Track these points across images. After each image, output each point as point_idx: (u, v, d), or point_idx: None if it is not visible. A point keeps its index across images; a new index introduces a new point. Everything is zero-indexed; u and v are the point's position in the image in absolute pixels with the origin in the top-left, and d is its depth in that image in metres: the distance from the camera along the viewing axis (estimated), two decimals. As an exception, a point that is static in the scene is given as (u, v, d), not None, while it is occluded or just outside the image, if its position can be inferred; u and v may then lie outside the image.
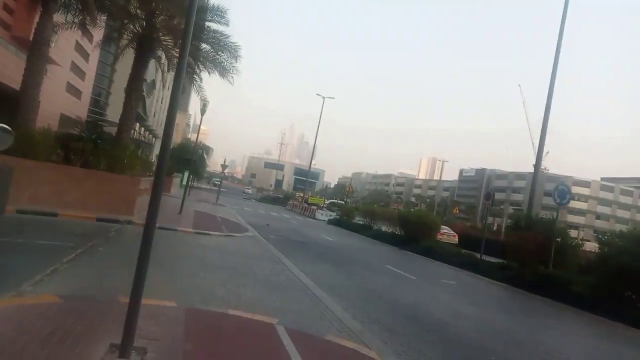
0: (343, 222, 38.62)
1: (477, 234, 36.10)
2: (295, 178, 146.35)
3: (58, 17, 18.50)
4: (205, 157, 53.96)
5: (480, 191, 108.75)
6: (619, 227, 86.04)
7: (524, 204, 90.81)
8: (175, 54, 20.39)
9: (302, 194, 68.48)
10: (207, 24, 18.82)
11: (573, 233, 19.49)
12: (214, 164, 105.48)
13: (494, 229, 57.28)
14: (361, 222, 36.94)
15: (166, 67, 22.53)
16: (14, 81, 17.57)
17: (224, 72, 19.53)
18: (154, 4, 17.62)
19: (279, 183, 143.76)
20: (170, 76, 42.03)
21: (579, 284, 14.82)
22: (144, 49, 18.50)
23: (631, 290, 13.49)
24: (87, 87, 35.03)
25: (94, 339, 4.58)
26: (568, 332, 11.47)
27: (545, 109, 20.39)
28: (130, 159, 17.48)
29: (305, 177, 74.13)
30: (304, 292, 9.29)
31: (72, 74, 30.50)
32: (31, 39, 16.63)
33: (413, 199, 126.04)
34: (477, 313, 11.37)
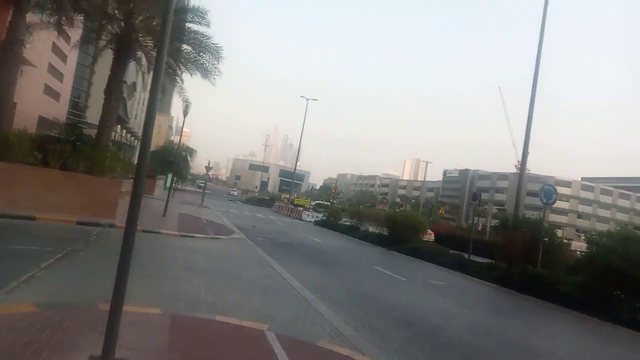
0: (330, 223, 38.41)
1: (463, 234, 36.20)
2: (281, 180, 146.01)
3: (33, 18, 17.94)
4: (189, 159, 53.42)
5: (464, 192, 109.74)
6: (600, 225, 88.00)
7: (507, 204, 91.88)
8: (155, 55, 19.97)
9: (287, 196, 68.17)
10: (187, 25, 18.49)
11: (557, 232, 19.57)
12: (198, 166, 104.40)
13: (479, 228, 57.61)
14: (348, 223, 36.78)
15: (146, 68, 22.07)
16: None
17: (206, 73, 19.19)
18: (132, 4, 17.18)
19: (264, 185, 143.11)
20: (151, 78, 41.44)
21: (567, 283, 14.82)
22: (123, 50, 18.07)
23: (620, 290, 13.50)
24: (65, 89, 34.28)
25: (72, 351, 4.27)
26: (560, 333, 11.40)
27: (529, 112, 20.41)
28: (111, 161, 17.01)
29: (291, 179, 73.89)
30: (293, 295, 9.03)
31: (49, 76, 29.79)
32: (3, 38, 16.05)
33: (398, 200, 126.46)
34: (469, 315, 11.24)
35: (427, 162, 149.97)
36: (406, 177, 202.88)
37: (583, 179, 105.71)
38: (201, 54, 18.99)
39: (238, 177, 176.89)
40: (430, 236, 33.20)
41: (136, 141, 63.80)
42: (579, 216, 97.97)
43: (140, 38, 18.69)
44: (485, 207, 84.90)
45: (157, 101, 4.56)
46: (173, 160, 29.18)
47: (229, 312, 6.81)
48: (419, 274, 17.88)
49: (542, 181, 79.27)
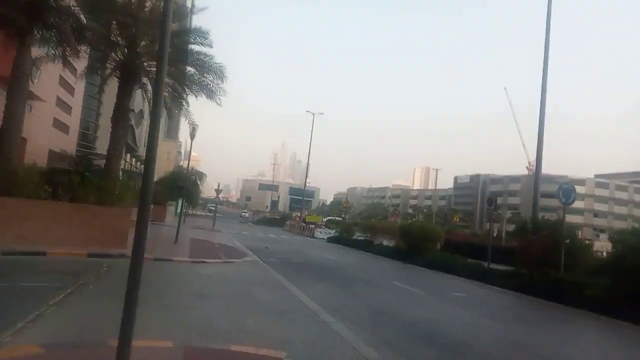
0: (343, 239, 37.99)
1: (479, 241, 35.55)
2: (291, 197, 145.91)
3: (38, 52, 18.08)
4: (199, 183, 53.45)
5: (476, 197, 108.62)
6: (617, 223, 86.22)
7: (521, 207, 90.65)
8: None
9: (299, 214, 67.88)
10: (190, 46, 18.55)
11: (577, 233, 19.04)
12: (208, 189, 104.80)
13: (494, 234, 56.77)
14: (361, 238, 36.32)
15: (152, 95, 22.15)
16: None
17: (210, 94, 19.20)
18: (134, 29, 17.27)
19: (274, 204, 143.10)
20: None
21: (593, 287, 14.24)
22: (128, 77, 18.13)
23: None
24: (74, 121, 34.64)
25: (79, 396, 4.00)
26: (593, 342, 10.88)
27: (540, 111, 20.08)
28: (121, 190, 16.94)
29: (301, 196, 73.71)
30: (311, 318, 8.70)
31: (58, 109, 30.11)
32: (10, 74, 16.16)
33: (410, 210, 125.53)
34: (496, 327, 10.79)
35: (437, 170, 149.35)
36: (416, 186, 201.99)
37: (597, 176, 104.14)
38: (205, 74, 19.04)
39: (248, 198, 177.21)
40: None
41: (146, 169, 64.09)
42: (595, 215, 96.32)
43: (145, 63, 18.76)
44: (499, 211, 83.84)
45: (159, 124, 4.36)
46: (183, 186, 29.09)
47: (244, 340, 6.52)
48: (438, 287, 17.41)
49: (555, 181, 77.96)
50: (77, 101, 34.35)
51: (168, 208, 40.75)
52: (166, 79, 20.23)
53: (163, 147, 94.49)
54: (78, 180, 15.72)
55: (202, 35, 18.02)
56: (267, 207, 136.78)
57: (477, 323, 10.88)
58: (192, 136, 22.70)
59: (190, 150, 24.83)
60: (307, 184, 71.17)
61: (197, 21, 19.02)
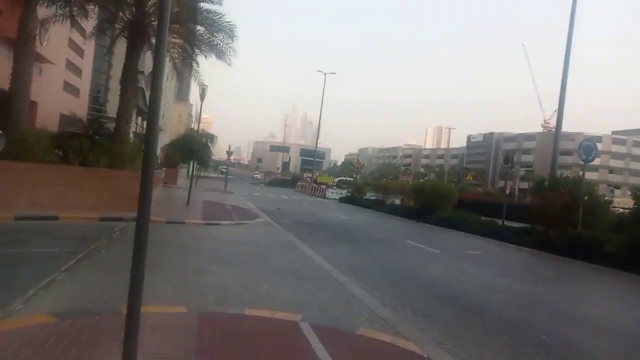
0: (355, 199, 37.90)
1: (492, 199, 35.28)
2: (302, 159, 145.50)
3: (46, 13, 17.57)
4: (210, 145, 53.27)
5: (489, 156, 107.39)
6: (632, 179, 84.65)
7: (535, 165, 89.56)
8: (171, 40, 19.43)
9: (310, 175, 67.76)
10: (199, 4, 17.88)
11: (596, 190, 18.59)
12: (219, 152, 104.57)
13: (507, 192, 56.32)
14: (373, 198, 36.20)
15: (164, 61, 21.56)
16: (5, 83, 16.74)
17: (220, 54, 18.63)
18: (142, -14, 16.61)
19: (285, 165, 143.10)
20: (166, 64, 41.03)
21: (613, 243, 13.97)
22: (136, 37, 17.55)
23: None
24: (84, 84, 34.14)
25: (91, 365, 3.88)
26: (613, 297, 10.72)
27: (564, 63, 19.23)
28: (131, 153, 16.77)
29: (312, 157, 73.34)
30: (325, 279, 8.57)
31: (68, 72, 29.60)
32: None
33: (422, 170, 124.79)
34: (513, 285, 10.63)
35: (449, 129, 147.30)
36: (429, 145, 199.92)
37: (613, 132, 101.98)
38: (215, 34, 18.42)
39: (260, 160, 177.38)
40: None
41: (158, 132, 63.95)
42: (611, 171, 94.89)
43: (154, 22, 18.14)
44: (513, 170, 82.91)
45: (162, 82, 4.03)
46: (194, 148, 28.89)
47: (259, 303, 6.39)
48: (453, 245, 17.26)
49: (570, 138, 76.88)
50: (87, 64, 33.74)
51: (180, 171, 40.74)
52: (175, 39, 19.71)
53: (174, 110, 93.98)
54: (88, 143, 15.56)
55: (211, -8, 17.30)
56: (278, 168, 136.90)
57: (495, 281, 10.72)
58: (202, 97, 22.26)
59: (200, 111, 24.35)
60: (318, 145, 70.65)
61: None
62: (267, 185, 69.34)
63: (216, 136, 57.71)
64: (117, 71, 37.47)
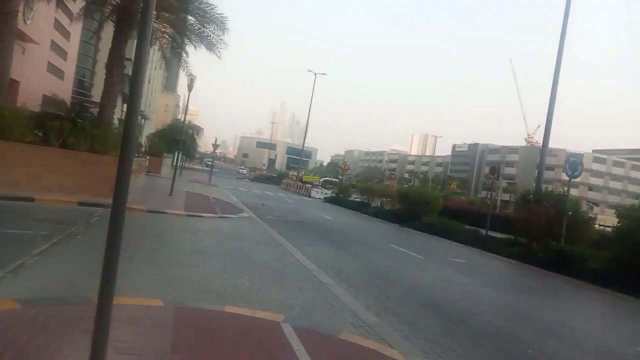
0: (340, 199, 37.73)
1: (475, 209, 35.43)
2: (288, 157, 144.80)
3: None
4: (196, 137, 52.68)
5: (473, 166, 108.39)
6: (611, 197, 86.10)
7: (518, 178, 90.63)
8: (159, 28, 19.02)
9: (296, 173, 67.43)
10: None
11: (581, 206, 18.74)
12: (205, 144, 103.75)
13: (490, 202, 56.74)
14: (358, 200, 36.08)
15: (149, 42, 21.09)
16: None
17: (210, 45, 18.26)
18: (130, -29, 16.17)
19: (271, 162, 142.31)
20: (154, 53, 40.31)
21: (596, 259, 14.01)
22: (124, 22, 17.10)
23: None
24: (69, 67, 33.36)
25: (57, 358, 3.58)
26: (597, 314, 10.69)
27: (553, 82, 19.38)
28: (115, 138, 16.30)
29: (298, 156, 73.00)
30: (309, 279, 8.34)
31: (53, 54, 28.85)
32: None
33: (406, 175, 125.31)
34: (498, 296, 10.54)
35: (435, 137, 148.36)
36: (414, 152, 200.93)
37: (594, 151, 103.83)
38: (205, 25, 18.04)
39: (246, 155, 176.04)
40: None
41: (143, 120, 62.99)
42: (590, 188, 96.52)
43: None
44: (496, 181, 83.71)
45: (145, 68, 3.74)
46: (180, 139, 28.38)
47: (239, 300, 6.14)
48: (436, 252, 17.18)
49: (553, 154, 77.91)
50: (72, 46, 32.98)
51: (164, 160, 40.16)
52: (165, 28, 19.26)
53: (161, 100, 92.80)
54: (69, 126, 15.12)
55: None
56: (264, 165, 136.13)
57: (479, 290, 10.61)
58: (190, 88, 21.86)
59: (188, 102, 23.96)
60: (305, 145, 70.31)
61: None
62: (252, 180, 68.80)
63: (202, 128, 57.16)
64: (104, 56, 36.61)
